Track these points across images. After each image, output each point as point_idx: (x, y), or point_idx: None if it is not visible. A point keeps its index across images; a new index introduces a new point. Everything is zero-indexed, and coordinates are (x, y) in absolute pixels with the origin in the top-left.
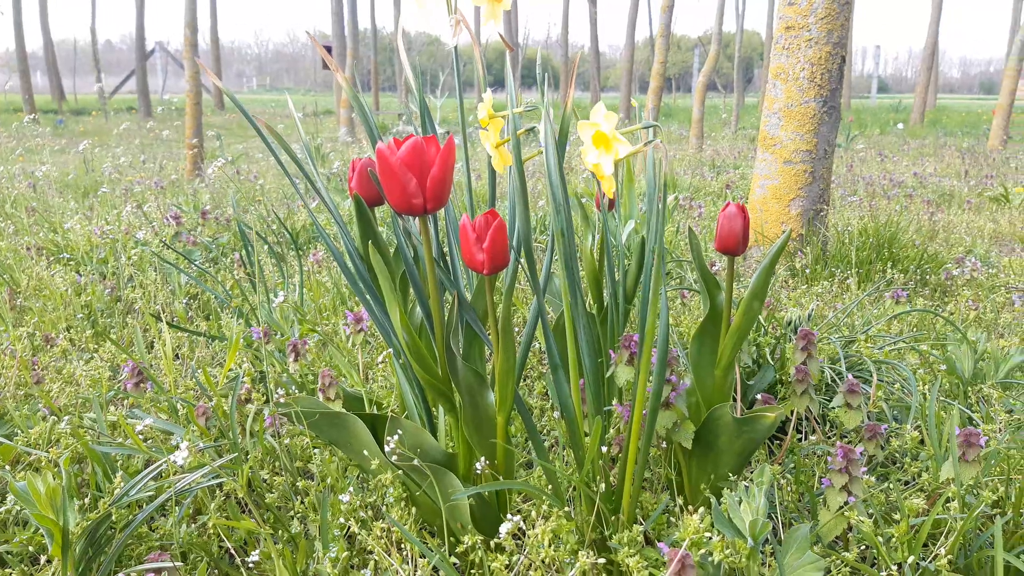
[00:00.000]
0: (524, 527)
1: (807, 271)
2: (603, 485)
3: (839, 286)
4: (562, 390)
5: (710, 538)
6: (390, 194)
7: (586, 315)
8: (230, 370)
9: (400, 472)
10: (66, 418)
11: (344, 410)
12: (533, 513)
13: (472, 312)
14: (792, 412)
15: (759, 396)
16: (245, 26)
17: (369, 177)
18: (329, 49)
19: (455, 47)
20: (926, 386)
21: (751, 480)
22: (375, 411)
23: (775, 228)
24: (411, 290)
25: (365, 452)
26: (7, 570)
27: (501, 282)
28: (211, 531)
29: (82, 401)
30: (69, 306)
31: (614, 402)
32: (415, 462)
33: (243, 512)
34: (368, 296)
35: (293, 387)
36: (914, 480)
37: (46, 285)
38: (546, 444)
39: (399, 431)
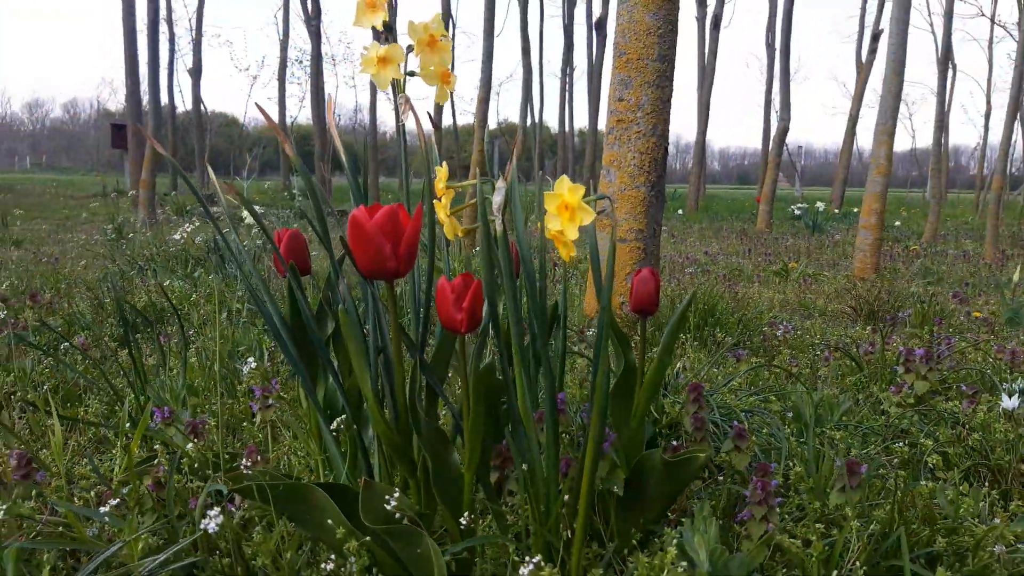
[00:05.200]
0: None
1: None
2: (568, 533)
3: (679, 348)
4: (521, 444)
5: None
6: (362, 259)
7: (550, 371)
8: (136, 453)
9: (367, 539)
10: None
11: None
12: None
13: (433, 374)
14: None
15: (673, 443)
16: (17, 99)
17: (297, 248)
18: (123, 128)
19: (403, 125)
20: (807, 431)
21: (683, 521)
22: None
23: (615, 300)
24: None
25: (329, 522)
26: None
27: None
28: None
29: None
30: None
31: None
32: (404, 523)
33: None
34: (297, 364)
35: (206, 468)
36: (800, 510)
37: None
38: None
39: (380, 494)
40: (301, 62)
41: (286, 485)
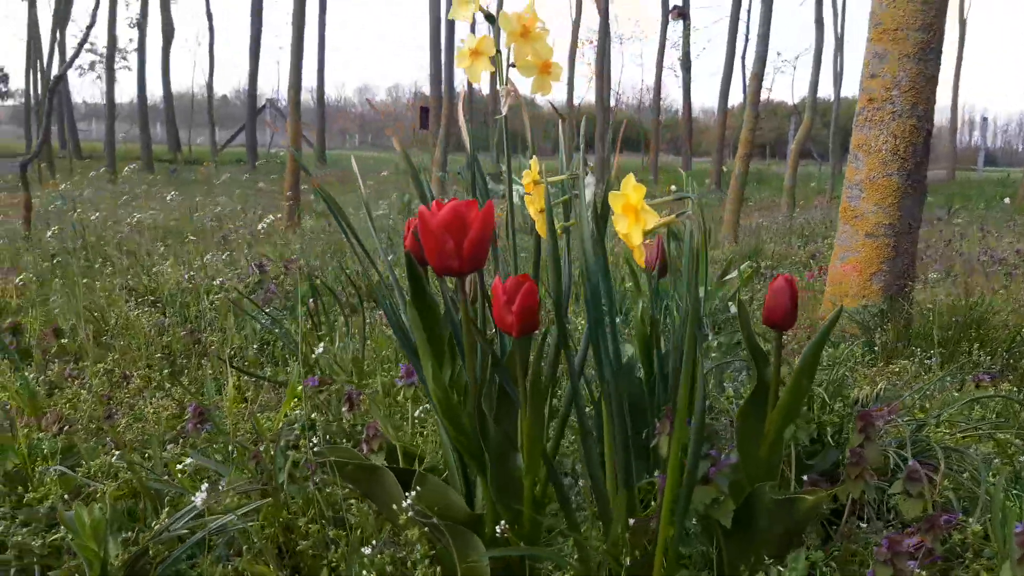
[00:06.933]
0: None
1: (887, 349)
2: (628, 559)
3: (919, 366)
4: (591, 458)
5: None
6: (429, 254)
7: (615, 381)
8: (285, 416)
9: (427, 529)
10: (117, 453)
11: (377, 463)
12: None
13: (506, 373)
14: (848, 497)
15: (806, 477)
16: (350, 85)
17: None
18: (427, 111)
19: (504, 115)
20: (999, 477)
21: (787, 565)
22: (416, 467)
23: (854, 302)
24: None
25: (394, 506)
26: None
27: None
28: (243, 574)
29: (147, 438)
30: (151, 346)
31: (657, 473)
32: (433, 520)
33: (281, 556)
34: (412, 351)
35: (341, 437)
36: None
37: (132, 324)
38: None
39: (419, 487)
40: (592, 42)
41: (355, 464)
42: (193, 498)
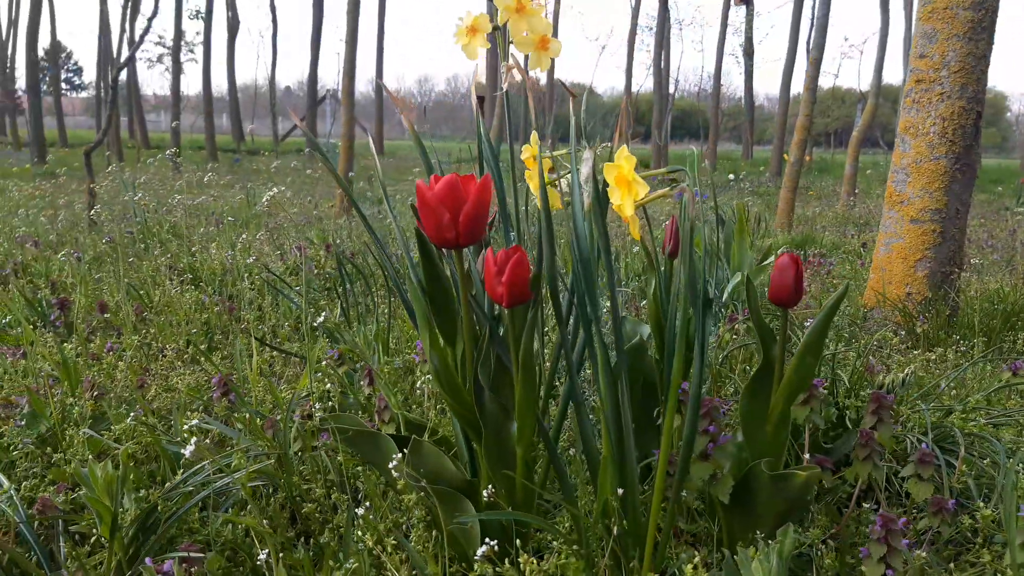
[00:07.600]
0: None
1: (928, 337)
2: (616, 528)
3: (961, 355)
4: (585, 430)
5: None
6: (427, 227)
7: (604, 354)
8: (305, 386)
9: (423, 494)
10: (132, 415)
11: (379, 431)
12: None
13: (502, 345)
14: (856, 479)
15: (807, 456)
16: (410, 76)
17: None
18: (483, 100)
19: (505, 92)
20: (1013, 461)
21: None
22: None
23: (899, 289)
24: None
25: (394, 472)
26: (63, 546)
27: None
28: (253, 532)
29: (176, 406)
30: (191, 323)
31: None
32: (423, 483)
33: (294, 521)
34: (423, 330)
35: (358, 409)
36: (981, 562)
37: (174, 302)
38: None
39: (413, 453)
40: (652, 29)
41: (355, 430)
42: (183, 451)
